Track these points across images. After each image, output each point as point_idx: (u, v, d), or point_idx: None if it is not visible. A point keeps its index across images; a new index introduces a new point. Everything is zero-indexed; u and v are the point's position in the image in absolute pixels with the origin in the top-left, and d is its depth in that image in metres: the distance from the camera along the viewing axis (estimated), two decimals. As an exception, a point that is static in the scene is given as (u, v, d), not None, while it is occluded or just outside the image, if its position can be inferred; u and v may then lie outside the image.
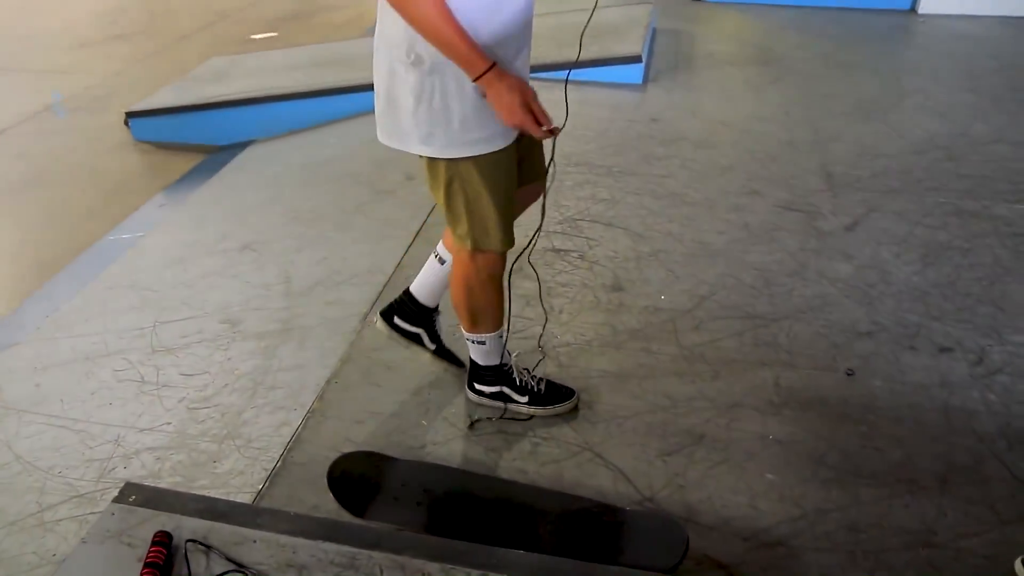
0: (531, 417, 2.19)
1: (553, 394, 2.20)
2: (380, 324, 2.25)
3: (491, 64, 1.57)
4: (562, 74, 1.95)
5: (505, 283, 2.01)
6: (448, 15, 1.52)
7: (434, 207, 3.24)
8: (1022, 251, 2.91)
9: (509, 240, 1.87)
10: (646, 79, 4.60)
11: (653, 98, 4.39)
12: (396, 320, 2.23)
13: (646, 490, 1.95)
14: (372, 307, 2.67)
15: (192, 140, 4.84)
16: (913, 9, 6.03)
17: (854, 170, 3.53)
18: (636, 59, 4.45)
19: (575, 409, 2.22)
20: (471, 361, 2.20)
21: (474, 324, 2.06)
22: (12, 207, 4.17)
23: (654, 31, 5.18)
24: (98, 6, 7.96)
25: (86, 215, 3.96)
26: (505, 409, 2.20)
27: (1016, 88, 4.51)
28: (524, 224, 1.98)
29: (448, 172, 1.75)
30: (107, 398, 2.37)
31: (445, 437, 2.13)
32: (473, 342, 2.12)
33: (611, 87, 4.25)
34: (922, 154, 3.69)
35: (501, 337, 2.12)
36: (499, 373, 2.18)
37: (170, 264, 3.21)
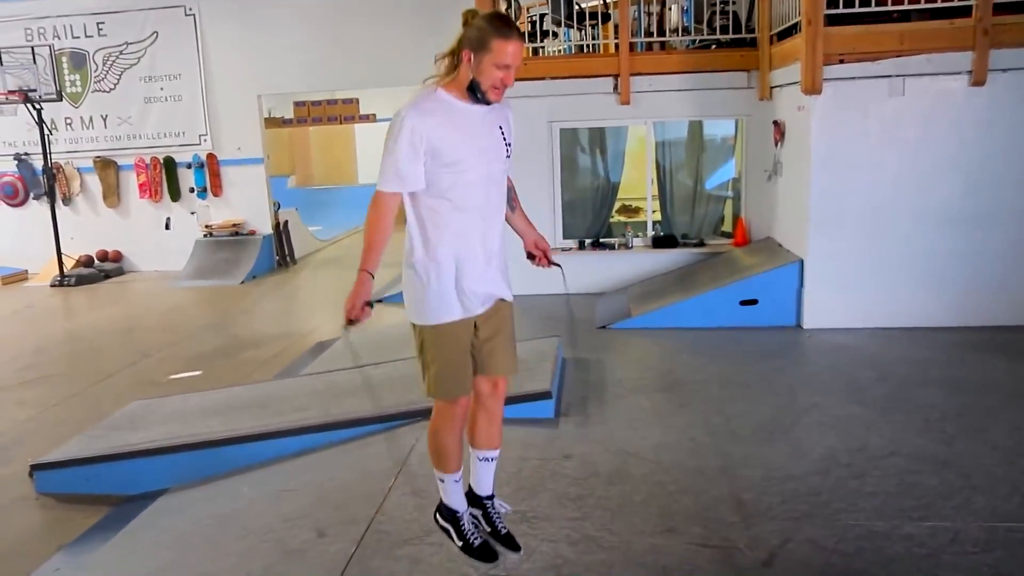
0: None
1: (483, 551, 2.88)
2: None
3: (365, 270, 2.57)
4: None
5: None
6: (383, 232, 2.59)
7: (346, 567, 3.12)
8: (937, 574, 2.93)
9: (455, 392, 2.71)
10: (558, 412, 4.63)
11: (565, 433, 4.42)
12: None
13: None
14: None
15: (101, 491, 4.67)
16: (799, 324, 6.61)
17: (764, 496, 3.60)
18: (546, 395, 4.51)
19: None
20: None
21: (437, 462, 2.82)
22: None
23: (563, 362, 5.40)
24: (16, 349, 8.01)
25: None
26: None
27: (896, 397, 4.84)
28: None
29: (420, 335, 2.71)
30: None
31: None
32: (437, 478, 2.87)
33: (523, 423, 4.28)
34: (826, 473, 3.81)
35: (457, 483, 2.84)
36: (452, 516, 2.89)
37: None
